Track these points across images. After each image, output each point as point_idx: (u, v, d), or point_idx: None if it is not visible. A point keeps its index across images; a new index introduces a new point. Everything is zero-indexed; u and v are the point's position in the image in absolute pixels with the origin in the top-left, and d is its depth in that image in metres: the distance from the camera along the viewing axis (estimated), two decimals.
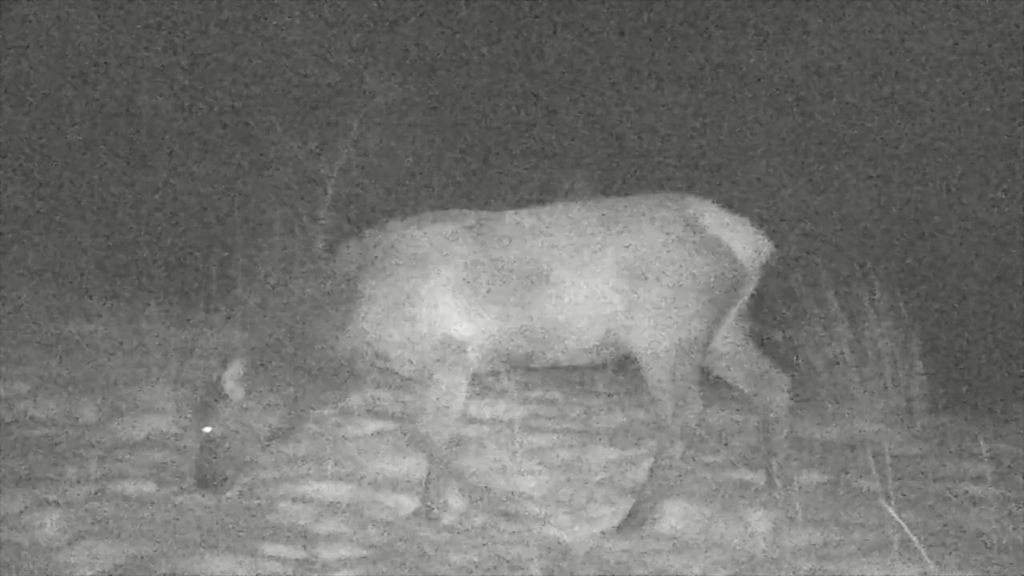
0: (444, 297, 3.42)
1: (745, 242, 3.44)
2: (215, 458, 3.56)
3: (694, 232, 3.38)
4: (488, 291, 3.41)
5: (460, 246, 3.45)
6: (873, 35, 9.49)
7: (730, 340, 3.61)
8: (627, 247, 3.37)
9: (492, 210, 3.68)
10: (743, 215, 3.57)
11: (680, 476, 3.88)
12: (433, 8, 10.11)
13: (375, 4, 9.70)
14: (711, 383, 5.99)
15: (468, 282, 3.42)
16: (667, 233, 3.37)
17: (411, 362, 3.51)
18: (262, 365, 3.56)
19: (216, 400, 3.57)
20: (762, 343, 5.03)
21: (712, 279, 3.36)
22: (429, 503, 3.53)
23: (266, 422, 3.59)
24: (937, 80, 9.10)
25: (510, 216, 3.55)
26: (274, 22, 9.40)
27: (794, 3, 9.76)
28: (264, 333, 3.67)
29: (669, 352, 3.35)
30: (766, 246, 3.51)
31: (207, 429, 3.58)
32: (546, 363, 3.56)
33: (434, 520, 3.47)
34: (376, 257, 3.51)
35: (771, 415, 3.59)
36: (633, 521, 3.44)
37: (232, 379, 3.52)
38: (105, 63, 9.22)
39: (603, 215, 3.45)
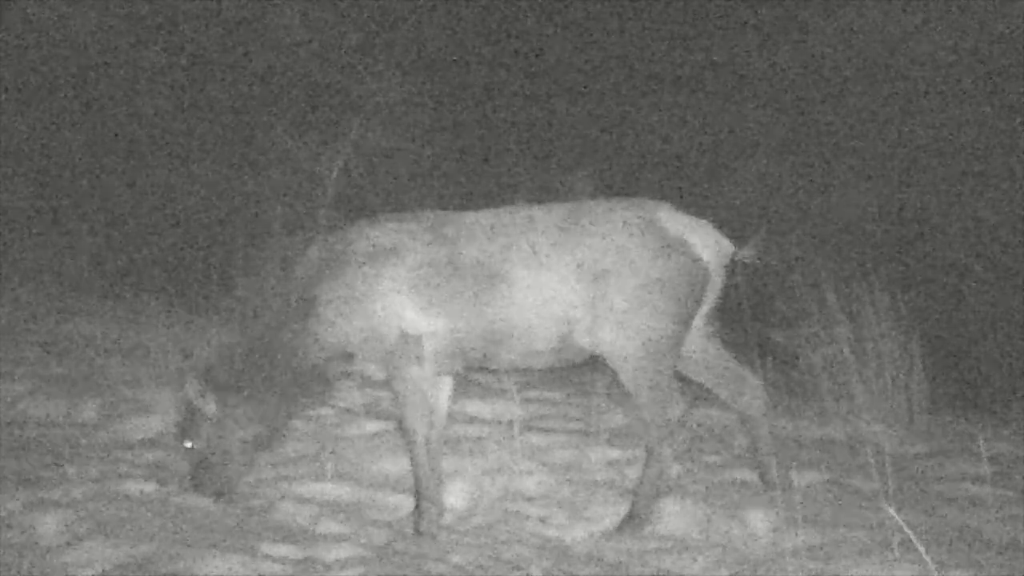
0: (399, 295, 3.42)
1: (707, 243, 3.45)
2: (207, 472, 3.57)
3: (656, 234, 3.38)
4: (443, 290, 3.41)
5: (417, 244, 3.46)
6: (873, 35, 9.50)
7: (699, 343, 3.62)
8: (588, 249, 3.37)
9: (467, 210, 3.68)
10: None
11: (679, 475, 3.89)
12: (433, 8, 10.12)
13: (375, 4, 9.70)
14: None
15: (423, 280, 3.42)
16: (629, 235, 3.37)
17: (373, 358, 3.52)
18: (233, 377, 3.55)
19: (193, 416, 3.57)
20: (762, 343, 5.06)
21: (676, 280, 3.36)
22: (419, 517, 3.48)
23: (244, 433, 3.57)
24: (937, 80, 9.10)
25: (470, 216, 3.55)
26: (274, 22, 9.40)
27: (794, 3, 9.77)
28: (233, 343, 3.67)
29: (639, 354, 3.36)
30: (727, 246, 3.52)
31: (188, 444, 3.59)
32: (504, 364, 3.55)
33: (422, 534, 3.43)
34: (335, 258, 3.52)
35: (749, 417, 3.60)
36: (633, 522, 3.45)
37: (194, 397, 3.52)
38: (105, 63, 9.22)
39: (563, 218, 3.44)
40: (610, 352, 3.40)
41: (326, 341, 3.52)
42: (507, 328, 3.40)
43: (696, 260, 3.40)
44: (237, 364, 3.56)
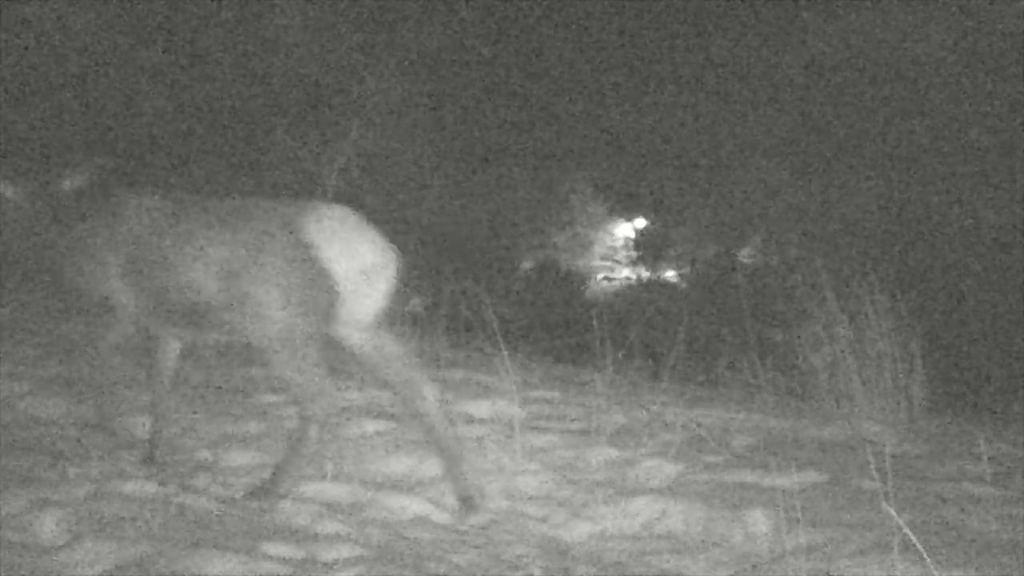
0: (101, 259, 3.87)
1: (350, 258, 3.56)
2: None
3: (284, 241, 3.56)
4: (132, 270, 3.81)
5: (136, 222, 3.85)
6: (873, 35, 9.50)
7: (371, 345, 3.75)
8: (225, 248, 3.64)
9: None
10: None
11: (679, 475, 3.90)
12: (433, 8, 10.13)
13: (375, 4, 9.71)
14: (708, 383, 6.02)
15: (124, 257, 3.83)
16: (260, 239, 3.58)
17: (91, 311, 3.98)
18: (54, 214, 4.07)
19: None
20: (762, 343, 5.06)
21: (297, 286, 3.53)
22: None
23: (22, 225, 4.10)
24: (937, 80, 9.11)
25: (204, 203, 3.85)
26: (274, 22, 9.40)
27: (794, 3, 9.78)
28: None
29: (276, 347, 3.58)
30: (384, 265, 3.61)
31: None
32: (177, 339, 4.00)
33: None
34: (93, 215, 3.95)
35: (422, 417, 3.71)
36: (268, 487, 3.64)
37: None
38: (105, 63, 9.23)
39: (219, 216, 3.72)
40: (255, 343, 3.68)
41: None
42: (164, 310, 3.81)
43: (321, 272, 3.53)
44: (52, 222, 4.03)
